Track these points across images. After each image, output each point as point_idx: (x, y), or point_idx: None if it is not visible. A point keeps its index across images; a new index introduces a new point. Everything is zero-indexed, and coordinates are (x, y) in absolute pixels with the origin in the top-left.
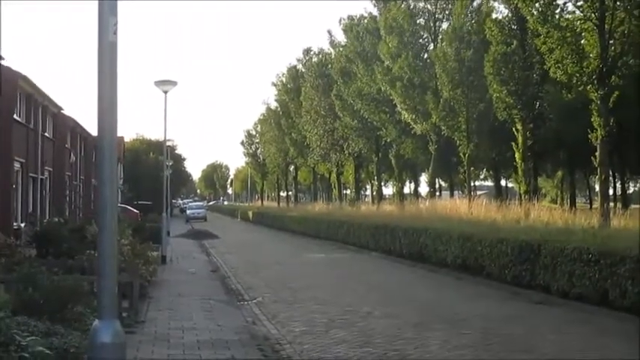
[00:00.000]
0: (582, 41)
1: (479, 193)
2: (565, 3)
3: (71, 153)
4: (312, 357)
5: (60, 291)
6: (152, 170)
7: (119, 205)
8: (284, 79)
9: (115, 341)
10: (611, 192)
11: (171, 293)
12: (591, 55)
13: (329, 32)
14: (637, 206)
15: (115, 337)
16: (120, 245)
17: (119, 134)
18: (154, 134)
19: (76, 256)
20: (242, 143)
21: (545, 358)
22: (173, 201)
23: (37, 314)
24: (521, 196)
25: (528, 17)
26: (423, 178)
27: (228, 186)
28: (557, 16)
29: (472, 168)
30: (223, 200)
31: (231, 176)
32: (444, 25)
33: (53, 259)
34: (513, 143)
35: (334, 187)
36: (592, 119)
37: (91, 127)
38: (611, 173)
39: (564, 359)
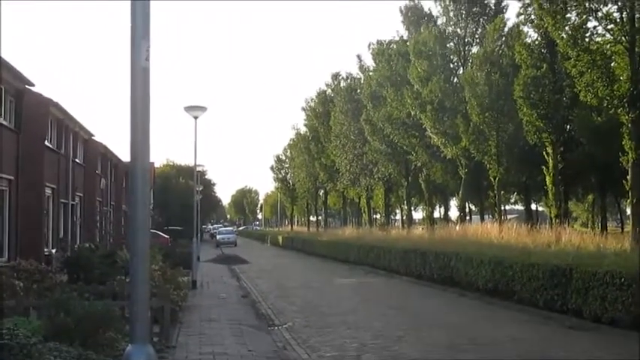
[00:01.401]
0: (612, 64)
1: (509, 217)
2: (595, 27)
3: (101, 179)
4: None
5: (91, 316)
6: (182, 195)
7: (150, 230)
8: (313, 104)
9: None
10: None
11: (202, 318)
12: (622, 78)
13: (358, 57)
14: None
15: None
16: (151, 270)
17: (150, 160)
18: (184, 159)
19: (107, 281)
20: (272, 168)
21: None
22: (203, 226)
23: (69, 340)
24: (551, 220)
25: (558, 40)
26: (453, 203)
27: (258, 211)
28: (587, 40)
29: (502, 192)
30: (257, 225)
31: (261, 201)
32: (474, 49)
33: (84, 285)
34: (544, 167)
35: (364, 211)
36: (623, 142)
37: (122, 153)
38: None
39: None
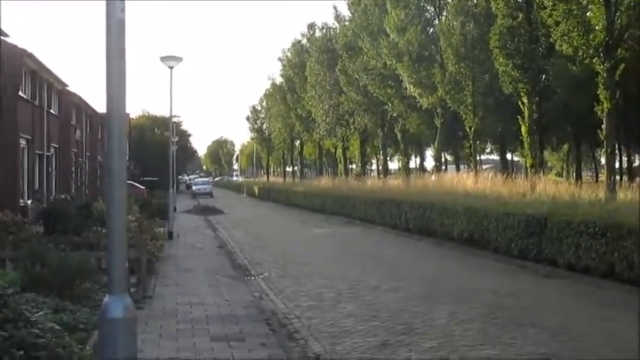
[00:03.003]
0: (588, 14)
1: (485, 167)
2: None
3: (77, 129)
4: (320, 330)
5: (68, 267)
6: (158, 146)
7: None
8: (289, 55)
9: (125, 316)
10: (617, 165)
11: (178, 269)
12: (597, 28)
13: (334, 7)
14: None
15: (125, 311)
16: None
17: (125, 110)
18: (160, 110)
19: (83, 232)
20: (247, 119)
21: (550, 330)
22: (179, 177)
23: (46, 291)
24: (527, 170)
25: None
26: (429, 153)
27: (234, 162)
28: None
29: (478, 142)
30: (236, 175)
31: (237, 152)
32: None
33: (60, 236)
34: (519, 117)
35: (340, 162)
36: (598, 92)
37: (97, 104)
38: (617, 146)
39: (568, 332)
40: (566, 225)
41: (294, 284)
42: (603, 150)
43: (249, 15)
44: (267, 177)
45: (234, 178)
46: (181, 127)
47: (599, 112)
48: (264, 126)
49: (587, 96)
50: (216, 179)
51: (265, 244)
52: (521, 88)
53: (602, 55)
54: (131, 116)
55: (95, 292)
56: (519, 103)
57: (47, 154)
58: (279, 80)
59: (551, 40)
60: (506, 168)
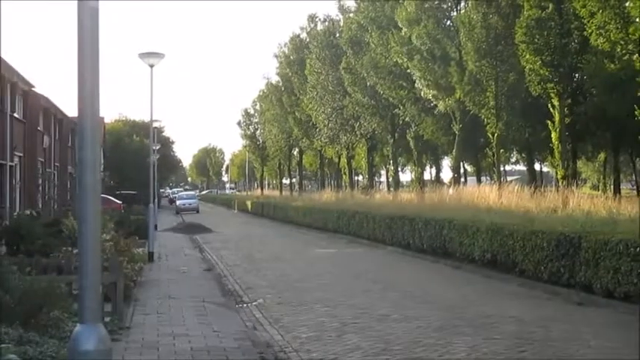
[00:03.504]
0: (627, 3)
1: (510, 178)
2: None
3: (44, 136)
4: None
5: (34, 293)
6: (137, 155)
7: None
8: (286, 50)
9: (99, 348)
10: None
11: (160, 295)
12: (638, 20)
13: None
14: None
15: (99, 342)
16: (101, 241)
17: (100, 114)
18: (139, 115)
19: (52, 253)
20: (239, 124)
21: None
22: (161, 190)
23: (8, 320)
24: (558, 182)
25: None
26: (446, 162)
27: (224, 172)
28: None
29: (502, 150)
30: (231, 188)
31: (227, 161)
32: None
33: (25, 258)
34: (549, 121)
35: (344, 172)
36: (639, 93)
37: (67, 107)
38: None
39: None
40: (603, 245)
41: (292, 312)
42: None
43: (242, 6)
44: (262, 190)
45: (228, 191)
46: (163, 134)
47: None
48: (258, 132)
49: (626, 98)
50: (203, 193)
51: (259, 266)
52: (550, 88)
53: None
54: (106, 120)
55: (65, 321)
56: (549, 105)
57: (10, 164)
58: (275, 80)
59: (585, 33)
60: (534, 180)
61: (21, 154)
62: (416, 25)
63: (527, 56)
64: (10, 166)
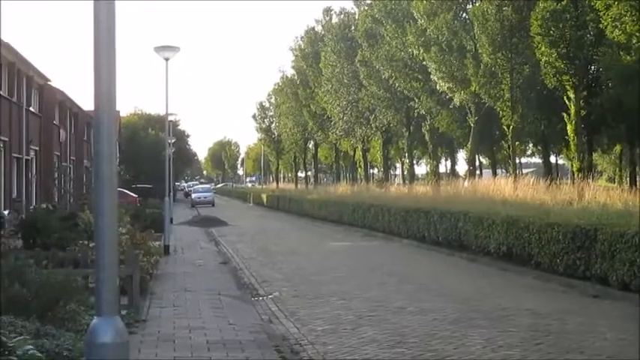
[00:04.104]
0: None
1: (525, 171)
2: None
3: (60, 130)
4: (338, 359)
5: (50, 287)
6: (152, 149)
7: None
8: (302, 44)
9: (117, 340)
10: None
11: (175, 288)
12: None
13: None
14: None
15: (117, 335)
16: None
17: (116, 108)
18: (155, 108)
19: (68, 247)
20: (254, 117)
21: (600, 359)
22: (176, 184)
23: (26, 313)
24: (573, 175)
25: None
26: (461, 155)
27: (239, 166)
28: None
29: (517, 142)
30: (251, 182)
31: (242, 155)
32: None
33: (42, 251)
34: (564, 114)
35: (359, 165)
36: None
37: (82, 101)
38: None
39: None
40: (619, 238)
41: (308, 305)
42: None
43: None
44: (277, 183)
45: (248, 184)
46: (179, 127)
47: None
48: (273, 125)
49: None
50: (219, 186)
51: (275, 259)
52: (566, 80)
53: None
54: (122, 114)
55: (81, 314)
56: (564, 98)
57: (26, 157)
58: (290, 72)
59: (600, 26)
60: (549, 172)
61: (37, 148)
62: (433, 17)
63: (543, 49)
64: (27, 160)
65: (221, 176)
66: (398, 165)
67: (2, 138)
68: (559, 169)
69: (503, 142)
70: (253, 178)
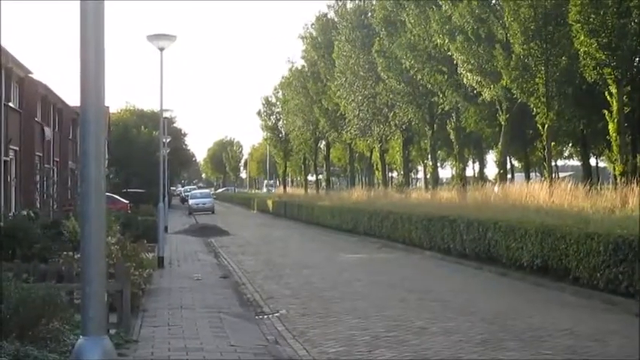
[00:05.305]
0: None
1: (562, 175)
2: None
3: (44, 128)
4: None
5: (31, 303)
6: (145, 149)
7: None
8: (313, 32)
9: None
10: None
11: (171, 305)
12: None
13: None
14: None
15: (104, 357)
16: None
17: (104, 103)
18: (148, 104)
19: (51, 258)
20: (259, 113)
21: None
22: (172, 188)
23: (3, 332)
24: (616, 179)
25: None
26: (491, 157)
27: (241, 168)
28: None
29: (553, 143)
30: (271, 186)
31: (246, 156)
32: None
33: (22, 263)
34: (606, 111)
35: (377, 168)
36: None
37: (67, 95)
38: None
39: None
40: None
41: (319, 325)
42: None
43: None
44: (284, 188)
45: (265, 190)
46: (175, 125)
47: None
48: (280, 123)
49: None
50: (219, 191)
51: (281, 273)
52: (608, 73)
53: None
54: (111, 110)
55: (65, 333)
56: (606, 93)
57: (5, 159)
58: (299, 64)
59: None
60: (589, 176)
61: (17, 148)
62: (459, 1)
63: (582, 38)
64: (5, 162)
65: (222, 180)
66: (420, 168)
67: None
68: (600, 172)
69: (537, 142)
70: (271, 182)
